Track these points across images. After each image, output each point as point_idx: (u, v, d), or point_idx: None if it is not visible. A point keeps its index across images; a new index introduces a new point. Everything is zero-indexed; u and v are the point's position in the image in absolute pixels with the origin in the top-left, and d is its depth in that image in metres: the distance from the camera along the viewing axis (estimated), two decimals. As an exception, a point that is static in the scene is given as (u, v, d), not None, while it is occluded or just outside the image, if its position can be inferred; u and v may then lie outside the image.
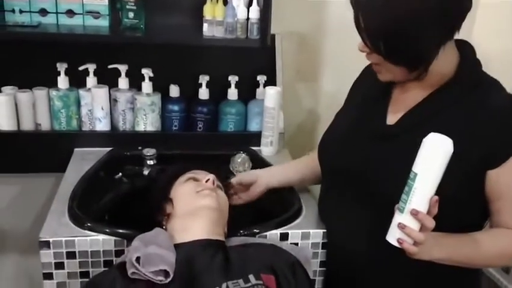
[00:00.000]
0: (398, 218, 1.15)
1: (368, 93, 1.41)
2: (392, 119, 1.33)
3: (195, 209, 1.35)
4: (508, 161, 1.23)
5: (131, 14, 1.85)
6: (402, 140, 1.28)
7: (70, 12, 1.89)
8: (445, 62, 1.24)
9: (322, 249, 1.51)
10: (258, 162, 1.86)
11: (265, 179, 1.60)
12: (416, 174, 1.12)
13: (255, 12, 1.85)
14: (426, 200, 1.12)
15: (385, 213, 1.19)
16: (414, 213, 1.12)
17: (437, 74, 1.25)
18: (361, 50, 1.26)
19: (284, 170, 1.67)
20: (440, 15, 1.15)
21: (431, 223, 1.13)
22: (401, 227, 1.14)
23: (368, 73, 1.39)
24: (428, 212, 1.13)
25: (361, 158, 1.34)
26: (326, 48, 2.16)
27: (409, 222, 1.14)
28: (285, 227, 1.50)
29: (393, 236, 1.16)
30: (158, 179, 1.52)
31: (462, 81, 1.26)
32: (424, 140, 1.11)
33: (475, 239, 1.26)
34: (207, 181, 1.40)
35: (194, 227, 1.33)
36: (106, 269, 1.39)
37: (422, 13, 1.14)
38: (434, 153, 1.11)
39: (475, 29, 2.01)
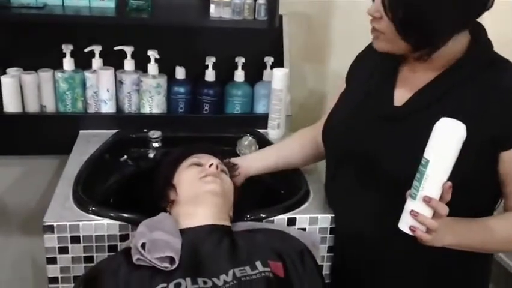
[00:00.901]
0: (410, 205, 1.13)
1: (373, 72, 1.37)
2: (400, 99, 1.29)
3: (199, 195, 1.33)
4: None
5: (137, -5, 1.83)
6: (411, 121, 1.25)
7: (76, -7, 1.86)
8: (456, 42, 1.21)
9: (330, 234, 1.49)
10: (265, 145, 1.82)
11: (242, 169, 1.55)
12: (428, 161, 1.09)
13: (262, -8, 1.82)
14: (439, 186, 1.10)
15: (394, 195, 1.17)
16: (427, 200, 1.10)
17: (446, 54, 1.22)
18: (371, 13, 1.20)
19: (263, 157, 1.62)
20: (463, 7, 1.14)
21: (444, 210, 1.11)
22: (414, 214, 1.12)
23: (371, 51, 1.35)
24: (441, 199, 1.11)
25: (369, 139, 1.31)
26: (333, 29, 2.13)
27: (422, 209, 1.11)
28: (293, 212, 1.48)
29: (405, 224, 1.14)
30: (162, 164, 1.50)
31: (473, 61, 1.23)
32: (436, 125, 1.08)
33: (487, 224, 1.24)
34: (210, 166, 1.38)
35: (199, 212, 1.32)
36: (110, 254, 1.39)
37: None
38: (447, 139, 1.08)
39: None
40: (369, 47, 1.41)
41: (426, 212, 1.12)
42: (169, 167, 1.45)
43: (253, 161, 1.60)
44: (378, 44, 1.25)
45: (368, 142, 1.31)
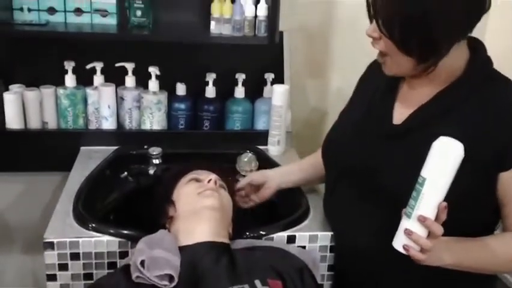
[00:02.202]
0: (405, 223, 1.13)
1: (374, 90, 1.37)
2: (399, 117, 1.29)
3: (198, 210, 1.33)
4: None
5: (138, 12, 1.84)
6: (410, 139, 1.25)
7: (78, 11, 1.88)
8: (455, 58, 1.20)
9: (330, 252, 1.49)
10: (265, 162, 1.84)
11: (276, 179, 1.58)
12: (424, 179, 1.08)
13: (263, 9, 1.83)
14: (434, 206, 1.09)
15: (393, 211, 1.16)
16: (422, 220, 1.10)
17: (446, 71, 1.21)
18: (370, 35, 1.20)
19: (293, 170, 1.64)
20: (462, 9, 1.12)
21: (439, 230, 1.11)
22: (408, 233, 1.11)
23: (373, 70, 1.35)
24: (437, 219, 1.10)
25: (368, 156, 1.31)
26: (334, 46, 2.14)
27: (416, 229, 1.11)
28: (292, 229, 1.48)
29: (399, 242, 1.14)
30: (161, 180, 1.50)
31: (472, 78, 1.22)
32: (433, 143, 1.08)
33: (486, 244, 1.24)
34: (208, 181, 1.38)
35: (198, 229, 1.31)
36: (109, 271, 1.39)
37: (445, 4, 1.10)
38: (444, 158, 1.07)
39: (488, 28, 1.98)
40: (370, 67, 1.42)
41: (420, 231, 1.11)
42: (168, 183, 1.45)
43: (285, 173, 1.62)
44: (386, 69, 1.25)
45: (368, 159, 1.31)
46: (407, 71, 1.22)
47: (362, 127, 1.36)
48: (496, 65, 1.27)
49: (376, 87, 1.37)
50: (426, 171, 1.09)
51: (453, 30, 1.14)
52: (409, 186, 1.12)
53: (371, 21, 1.19)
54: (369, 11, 1.18)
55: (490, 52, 1.27)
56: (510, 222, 1.24)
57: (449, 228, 1.12)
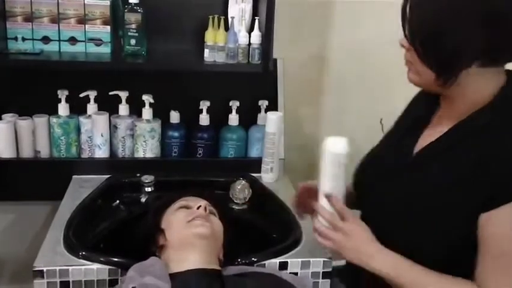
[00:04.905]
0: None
1: (409, 118, 1.34)
2: (419, 148, 1.23)
3: (188, 239, 1.32)
4: (503, 207, 1.05)
5: (133, 41, 1.85)
6: (420, 170, 1.19)
7: (73, 40, 1.89)
8: (480, 88, 1.13)
9: (322, 278, 1.47)
10: (258, 189, 1.83)
11: None
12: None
13: (256, 37, 1.85)
14: (322, 196, 1.23)
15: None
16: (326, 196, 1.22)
17: (468, 101, 1.14)
18: (401, 43, 1.18)
19: None
20: (483, 28, 1.06)
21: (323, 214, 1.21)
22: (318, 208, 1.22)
23: (418, 100, 1.32)
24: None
25: (379, 187, 1.27)
26: (329, 73, 2.16)
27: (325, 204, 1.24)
28: (284, 256, 1.47)
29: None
30: (151, 208, 1.49)
31: (495, 111, 1.13)
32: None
33: (439, 275, 1.12)
34: (198, 208, 1.37)
35: (188, 257, 1.30)
36: (98, 299, 1.37)
37: (466, 20, 1.07)
38: (327, 155, 1.24)
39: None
40: (416, 97, 1.37)
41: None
42: (157, 211, 1.45)
43: None
44: (409, 75, 1.21)
45: (378, 190, 1.27)
46: (426, 83, 1.18)
47: (383, 156, 1.33)
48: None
49: (412, 116, 1.33)
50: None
51: (472, 47, 1.09)
52: (398, 223, 1.13)
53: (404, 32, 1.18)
54: (402, 18, 1.16)
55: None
56: (478, 270, 1.09)
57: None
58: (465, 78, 1.11)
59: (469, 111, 1.15)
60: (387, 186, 1.24)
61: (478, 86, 1.14)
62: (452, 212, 1.10)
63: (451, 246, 1.10)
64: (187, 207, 1.40)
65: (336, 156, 1.24)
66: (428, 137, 1.22)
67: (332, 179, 1.24)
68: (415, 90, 1.26)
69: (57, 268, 1.38)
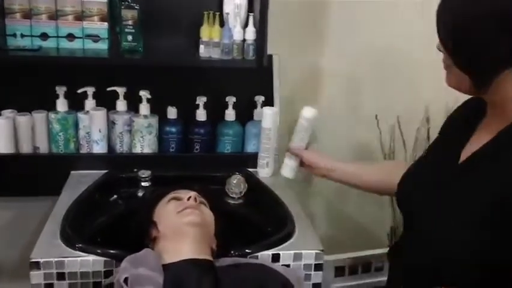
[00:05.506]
0: None
1: (454, 128, 1.32)
2: (464, 156, 1.20)
3: (179, 228, 1.34)
4: None
5: (129, 37, 1.86)
6: (464, 181, 1.17)
7: (71, 36, 1.90)
8: None
9: (315, 270, 1.49)
10: (254, 184, 1.85)
11: (323, 161, 1.70)
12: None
13: (250, 33, 1.86)
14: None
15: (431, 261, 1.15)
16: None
17: (510, 107, 1.13)
18: (438, 48, 1.17)
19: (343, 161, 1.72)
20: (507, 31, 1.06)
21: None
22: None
23: (464, 107, 1.32)
24: None
25: (423, 197, 1.24)
26: (325, 69, 2.17)
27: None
28: (277, 248, 1.48)
29: None
30: (143, 202, 1.52)
31: None
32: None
33: None
34: (188, 199, 1.39)
35: (180, 247, 1.32)
36: (94, 290, 1.39)
37: (495, 22, 1.06)
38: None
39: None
40: (463, 105, 1.36)
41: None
42: (149, 204, 1.47)
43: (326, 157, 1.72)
44: (447, 80, 1.20)
45: (421, 201, 1.24)
46: (464, 87, 1.17)
47: (429, 166, 1.31)
48: None
49: (458, 125, 1.31)
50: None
51: (504, 50, 1.08)
52: (446, 238, 1.12)
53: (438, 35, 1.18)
54: (437, 22, 1.17)
55: None
56: None
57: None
58: (503, 83, 1.11)
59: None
60: (432, 196, 1.21)
61: None
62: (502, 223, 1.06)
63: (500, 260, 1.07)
64: (177, 198, 1.43)
65: (305, 119, 1.72)
66: (474, 145, 1.19)
67: (297, 135, 1.73)
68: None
69: (54, 260, 1.40)
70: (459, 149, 1.22)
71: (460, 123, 1.30)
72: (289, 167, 1.76)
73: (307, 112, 1.73)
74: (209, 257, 1.34)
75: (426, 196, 1.23)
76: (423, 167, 1.33)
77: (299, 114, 1.71)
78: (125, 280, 1.20)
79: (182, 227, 1.34)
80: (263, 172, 1.94)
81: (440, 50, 1.18)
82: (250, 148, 2.03)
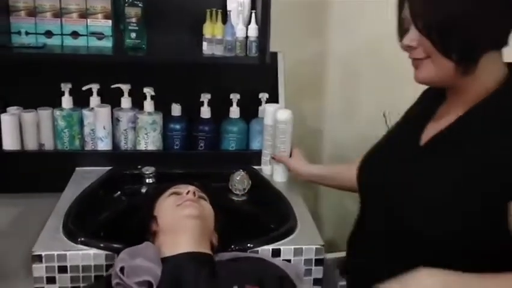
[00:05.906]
0: None
1: (414, 114, 1.33)
2: (425, 139, 1.21)
3: (178, 221, 1.35)
4: None
5: (133, 34, 1.88)
6: (427, 162, 1.17)
7: (75, 34, 1.93)
8: (486, 75, 1.12)
9: (315, 266, 1.49)
10: (258, 181, 1.85)
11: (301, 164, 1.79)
12: None
13: (253, 30, 1.86)
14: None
15: (405, 243, 1.14)
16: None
17: (475, 89, 1.13)
18: (408, 44, 1.14)
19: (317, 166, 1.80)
20: (502, 11, 1.07)
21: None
22: None
23: (423, 97, 1.32)
24: None
25: (388, 179, 1.24)
26: (329, 66, 2.17)
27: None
28: (278, 243, 1.49)
29: None
30: (145, 198, 1.53)
31: (500, 100, 1.12)
32: None
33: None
34: (187, 193, 1.40)
35: (179, 240, 1.33)
36: (95, 282, 1.40)
37: (486, 5, 1.06)
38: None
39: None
40: (423, 94, 1.36)
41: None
42: (150, 199, 1.48)
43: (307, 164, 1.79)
44: (417, 74, 1.17)
45: (387, 182, 1.24)
46: (443, 77, 1.15)
47: (390, 148, 1.31)
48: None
49: (417, 110, 1.33)
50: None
51: (489, 34, 1.09)
52: (421, 219, 1.11)
53: (401, 37, 1.17)
54: (400, 24, 1.16)
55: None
56: None
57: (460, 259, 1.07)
58: (486, 65, 1.11)
59: (478, 99, 1.13)
60: (394, 177, 1.22)
61: (491, 69, 1.12)
62: (468, 199, 1.06)
63: (471, 235, 1.07)
64: (177, 193, 1.44)
65: (280, 122, 1.82)
66: (433, 129, 1.20)
67: (278, 139, 1.82)
68: (415, 84, 1.23)
69: (55, 253, 1.41)
70: (419, 132, 1.22)
71: (419, 110, 1.31)
72: (279, 172, 1.89)
73: (282, 115, 1.83)
74: (208, 251, 1.35)
75: (391, 173, 1.23)
76: (382, 151, 1.34)
77: (276, 120, 1.82)
78: (121, 270, 1.22)
79: (181, 220, 1.34)
80: (267, 169, 1.94)
81: (408, 47, 1.15)
82: (255, 145, 2.03)
